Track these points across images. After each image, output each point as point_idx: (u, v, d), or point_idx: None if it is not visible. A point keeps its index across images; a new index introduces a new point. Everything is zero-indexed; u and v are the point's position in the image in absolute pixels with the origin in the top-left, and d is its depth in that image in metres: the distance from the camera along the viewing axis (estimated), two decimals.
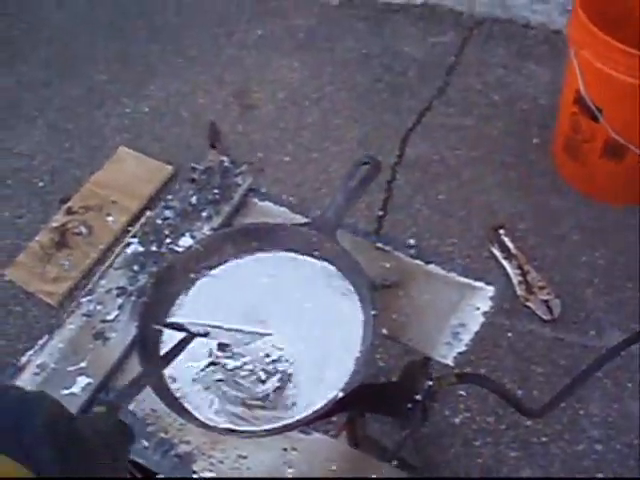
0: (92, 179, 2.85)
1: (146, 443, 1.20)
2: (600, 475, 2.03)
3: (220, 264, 1.33)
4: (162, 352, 1.20)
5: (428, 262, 1.35)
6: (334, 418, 1.52)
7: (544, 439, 2.09)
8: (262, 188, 2.56)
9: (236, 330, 1.24)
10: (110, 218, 2.71)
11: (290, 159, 2.83)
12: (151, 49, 3.41)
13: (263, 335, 1.23)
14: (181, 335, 1.21)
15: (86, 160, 2.97)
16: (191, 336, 1.20)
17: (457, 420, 2.13)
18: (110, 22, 3.58)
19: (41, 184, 2.91)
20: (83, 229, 2.70)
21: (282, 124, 2.97)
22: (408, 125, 2.89)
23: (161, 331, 1.27)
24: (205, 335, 1.23)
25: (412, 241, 2.46)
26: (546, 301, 2.32)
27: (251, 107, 3.05)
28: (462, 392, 2.17)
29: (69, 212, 2.75)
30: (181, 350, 1.17)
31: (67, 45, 3.49)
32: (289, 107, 3.03)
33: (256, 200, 1.49)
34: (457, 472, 2.04)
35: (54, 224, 2.72)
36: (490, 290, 1.31)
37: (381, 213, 2.60)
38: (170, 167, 2.83)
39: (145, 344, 1.24)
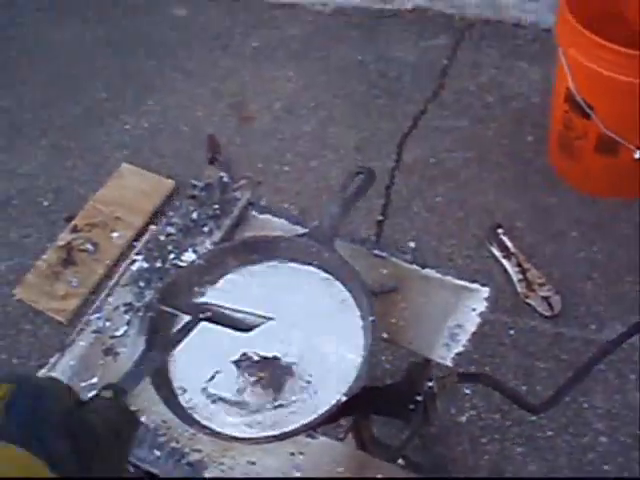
0: (95, 196, 2.89)
1: (158, 453, 1.24)
2: (606, 467, 2.07)
3: (222, 277, 1.38)
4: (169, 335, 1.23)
5: (424, 267, 1.39)
6: (342, 422, 1.57)
7: (549, 433, 2.13)
8: (262, 199, 2.65)
9: (238, 311, 1.28)
10: (115, 234, 2.76)
11: (289, 168, 2.87)
12: (148, 65, 3.46)
13: (265, 319, 1.26)
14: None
15: (89, 178, 3.01)
16: (196, 320, 1.24)
17: (463, 418, 2.17)
18: (107, 40, 3.62)
19: (46, 203, 2.95)
20: (89, 246, 2.74)
21: (279, 134, 3.01)
22: (404, 129, 2.94)
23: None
24: (208, 319, 1.26)
25: (412, 244, 2.55)
26: (546, 297, 2.36)
27: (248, 118, 3.10)
28: (467, 391, 2.20)
29: (74, 230, 2.80)
30: (186, 334, 1.20)
31: (65, 64, 3.53)
32: (286, 117, 3.08)
33: (255, 213, 1.53)
34: (464, 470, 2.08)
35: (60, 242, 2.76)
36: (485, 291, 1.35)
37: (381, 218, 2.64)
38: (171, 181, 2.87)
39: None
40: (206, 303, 1.31)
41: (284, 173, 2.86)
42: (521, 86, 3.05)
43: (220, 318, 1.27)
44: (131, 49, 3.55)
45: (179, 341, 1.19)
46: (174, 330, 1.24)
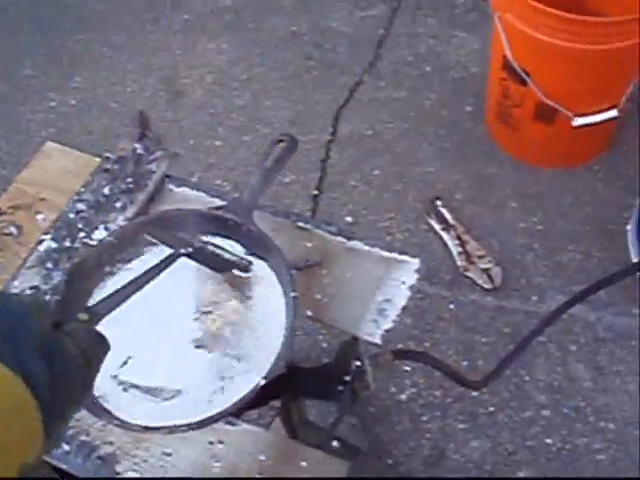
0: (19, 177, 2.75)
1: (67, 447, 1.15)
2: (549, 440, 2.03)
3: (136, 255, 1.28)
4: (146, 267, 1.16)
5: (350, 238, 1.31)
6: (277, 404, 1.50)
7: (491, 409, 2.08)
8: (194, 175, 2.56)
9: (218, 248, 1.24)
10: (40, 216, 2.58)
11: (222, 143, 2.77)
12: (76, 40, 3.31)
13: (246, 261, 1.22)
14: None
15: (14, 158, 2.88)
16: (177, 255, 1.21)
17: (403, 396, 2.11)
18: (32, 15, 3.46)
19: None
20: (13, 229, 2.58)
21: (212, 108, 2.90)
22: (340, 101, 2.85)
23: None
24: (189, 255, 1.22)
25: (349, 218, 2.48)
26: (487, 270, 2.31)
27: (180, 93, 2.98)
28: (407, 368, 2.14)
29: None
30: (166, 267, 1.15)
31: None
32: (218, 90, 2.97)
33: (172, 187, 1.44)
34: (405, 450, 2.02)
35: None
36: (415, 263, 1.27)
37: (316, 192, 2.56)
38: (99, 160, 2.75)
39: None
40: (191, 239, 1.26)
41: (216, 148, 2.76)
42: (459, 55, 2.99)
43: (200, 255, 1.23)
44: (57, 23, 3.40)
45: (158, 273, 1.13)
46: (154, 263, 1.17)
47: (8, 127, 3.00)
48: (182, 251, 1.22)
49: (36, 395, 0.67)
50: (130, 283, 1.07)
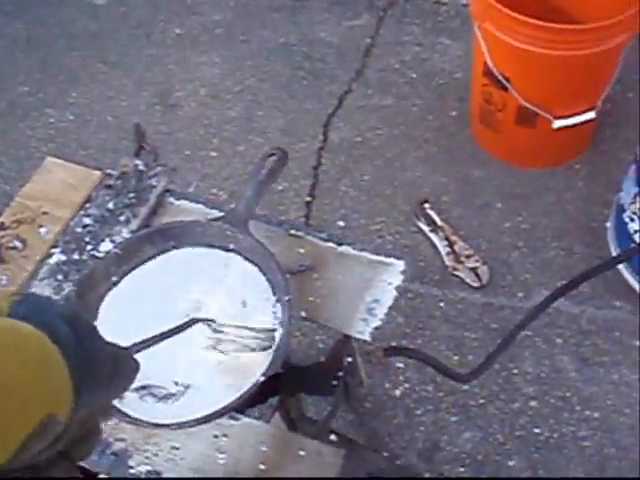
0: (21, 192, 2.83)
1: None
2: (537, 430, 2.12)
3: (139, 265, 1.37)
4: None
5: (340, 244, 1.40)
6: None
7: (482, 401, 2.18)
8: (191, 185, 2.65)
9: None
10: (43, 229, 2.68)
11: (217, 154, 2.87)
12: (71, 57, 3.40)
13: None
14: None
15: (15, 174, 2.96)
16: (194, 320, 1.26)
17: (398, 392, 2.20)
18: (28, 34, 3.55)
19: None
20: (17, 243, 2.66)
21: (206, 120, 3.00)
22: (329, 110, 2.95)
23: None
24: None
25: (341, 223, 2.58)
26: (474, 269, 2.41)
27: (174, 106, 3.08)
28: (400, 365, 2.24)
29: (1, 227, 2.73)
30: (180, 331, 1.22)
31: None
32: (211, 103, 3.06)
33: (172, 200, 1.53)
34: (401, 442, 2.11)
35: None
36: (400, 265, 1.36)
37: (309, 199, 2.65)
38: (98, 172, 2.81)
39: None
40: None
41: (211, 159, 2.85)
42: (444, 62, 3.09)
43: None
44: (52, 41, 3.49)
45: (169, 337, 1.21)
46: None
47: (8, 143, 3.08)
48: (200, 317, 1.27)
49: (64, 354, 0.66)
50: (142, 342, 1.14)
